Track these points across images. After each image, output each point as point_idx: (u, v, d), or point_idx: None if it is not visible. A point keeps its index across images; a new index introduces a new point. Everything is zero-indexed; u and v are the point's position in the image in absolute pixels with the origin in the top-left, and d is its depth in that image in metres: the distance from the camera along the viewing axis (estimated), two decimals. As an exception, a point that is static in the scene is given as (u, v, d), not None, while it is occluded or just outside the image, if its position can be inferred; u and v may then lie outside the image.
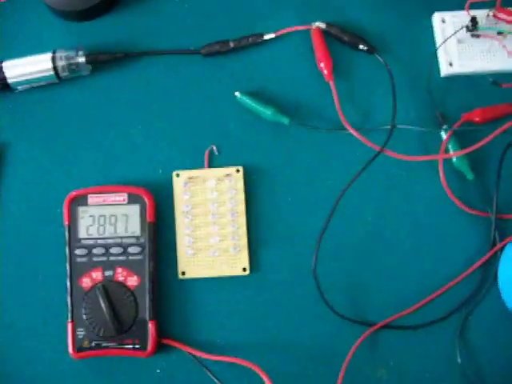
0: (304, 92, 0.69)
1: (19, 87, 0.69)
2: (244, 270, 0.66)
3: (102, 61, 0.69)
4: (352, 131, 0.66)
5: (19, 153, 0.69)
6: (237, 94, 0.68)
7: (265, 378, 0.62)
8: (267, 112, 0.67)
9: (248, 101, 0.68)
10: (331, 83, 0.68)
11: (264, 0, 0.71)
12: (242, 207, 0.67)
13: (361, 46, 0.69)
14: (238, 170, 0.67)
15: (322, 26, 0.69)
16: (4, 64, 0.68)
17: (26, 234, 0.68)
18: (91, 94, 0.70)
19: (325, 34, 0.69)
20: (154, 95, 0.70)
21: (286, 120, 0.67)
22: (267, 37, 0.69)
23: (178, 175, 0.68)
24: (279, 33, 0.69)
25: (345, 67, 0.69)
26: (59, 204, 0.66)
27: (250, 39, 0.69)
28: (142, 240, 0.65)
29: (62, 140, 0.69)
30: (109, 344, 0.64)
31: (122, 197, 0.66)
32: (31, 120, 0.70)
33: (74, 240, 0.65)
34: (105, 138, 0.69)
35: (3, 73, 0.68)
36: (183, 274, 0.66)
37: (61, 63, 0.68)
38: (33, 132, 0.69)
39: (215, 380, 0.64)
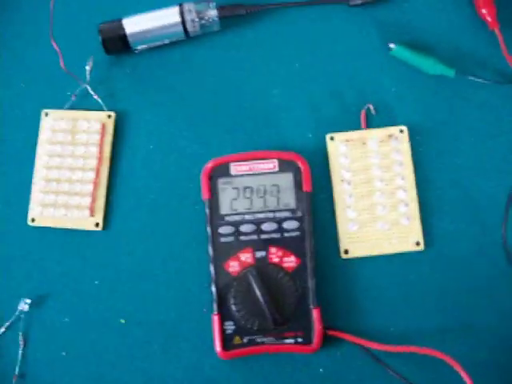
0: (465, 41, 0.60)
1: (139, 46, 0.60)
2: (417, 244, 0.56)
3: (236, 14, 0.60)
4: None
5: (142, 121, 0.60)
6: (391, 45, 0.59)
7: (459, 370, 0.52)
8: (429, 63, 0.58)
9: (405, 52, 0.59)
10: (496, 30, 0.59)
11: None
12: (410, 171, 0.57)
13: (523, -9, 0.61)
14: (401, 130, 0.58)
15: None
16: (124, 20, 0.59)
17: (154, 213, 0.58)
18: (223, 52, 0.61)
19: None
20: (294, 51, 0.61)
21: (451, 72, 0.58)
22: None
23: (332, 138, 0.58)
24: None
25: (508, 13, 0.61)
26: (194, 177, 0.57)
27: None
28: (298, 213, 0.55)
29: (192, 104, 0.60)
30: (265, 339, 0.54)
31: (272, 163, 0.56)
32: (154, 84, 0.61)
33: (216, 217, 0.55)
34: (242, 100, 0.60)
35: (123, 30, 0.59)
36: (346, 252, 0.56)
37: (190, 17, 0.59)
38: (156, 97, 0.60)
39: (396, 376, 0.53)
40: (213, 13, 0.59)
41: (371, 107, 0.58)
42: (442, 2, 0.61)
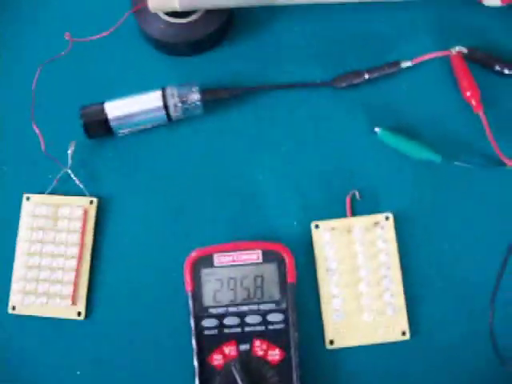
0: (450, 125, 0.59)
1: (122, 130, 0.59)
2: (403, 333, 0.55)
3: (218, 98, 0.60)
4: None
5: (125, 207, 0.59)
6: (377, 129, 0.58)
7: None
8: (415, 149, 0.58)
9: (391, 137, 0.58)
10: (481, 114, 0.59)
11: (393, 26, 0.62)
12: (395, 260, 0.56)
13: (507, 71, 0.61)
14: (387, 217, 0.57)
15: (464, 50, 0.60)
16: (106, 104, 0.59)
17: (137, 302, 0.57)
18: (207, 136, 0.60)
19: (466, 59, 0.61)
20: (280, 135, 0.60)
21: (437, 158, 0.58)
22: (404, 65, 0.60)
23: (317, 226, 0.58)
24: (417, 60, 0.60)
25: (491, 95, 0.60)
26: (178, 266, 0.56)
27: (387, 68, 0.60)
28: (283, 305, 0.54)
29: (175, 190, 0.59)
30: None
31: (256, 254, 0.55)
32: (137, 168, 0.60)
33: (199, 309, 0.54)
34: (227, 186, 0.59)
35: (105, 114, 0.58)
36: (331, 343, 0.55)
37: (172, 101, 0.58)
38: (139, 182, 0.60)
39: None
40: (196, 97, 0.59)
41: (357, 194, 0.58)
42: (427, 85, 0.61)
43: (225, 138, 0.60)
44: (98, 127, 0.59)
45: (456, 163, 0.58)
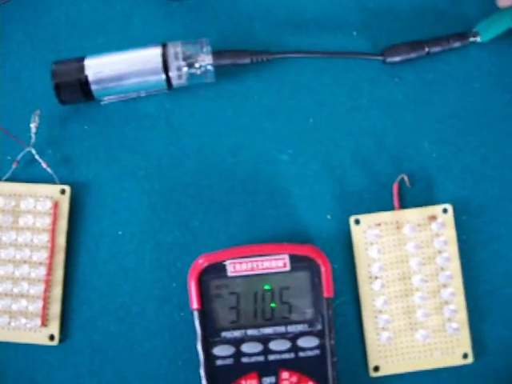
0: None
1: (106, 98, 0.46)
2: (465, 356, 0.44)
3: (236, 63, 0.46)
4: None
5: (107, 198, 0.46)
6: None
7: None
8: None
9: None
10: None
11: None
12: (456, 264, 0.45)
13: None
14: (445, 210, 0.45)
15: None
16: (87, 61, 0.45)
17: (124, 322, 0.45)
18: (216, 107, 0.47)
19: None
20: (308, 103, 0.47)
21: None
22: (474, 39, 0.47)
23: (357, 221, 0.45)
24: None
25: None
26: (177, 274, 0.45)
27: (452, 41, 0.47)
28: (317, 326, 0.43)
29: (173, 175, 0.46)
30: None
31: (282, 261, 0.43)
32: (123, 146, 0.47)
33: (210, 332, 0.42)
34: (241, 170, 0.46)
35: (85, 74, 0.44)
36: (376, 369, 0.44)
37: (176, 63, 0.45)
38: (126, 165, 0.47)
39: None
40: (207, 59, 0.45)
41: (406, 179, 0.46)
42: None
43: (239, 108, 0.47)
44: (75, 90, 0.45)
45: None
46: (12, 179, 0.46)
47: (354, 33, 0.48)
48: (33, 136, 0.46)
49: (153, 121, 0.47)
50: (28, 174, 0.46)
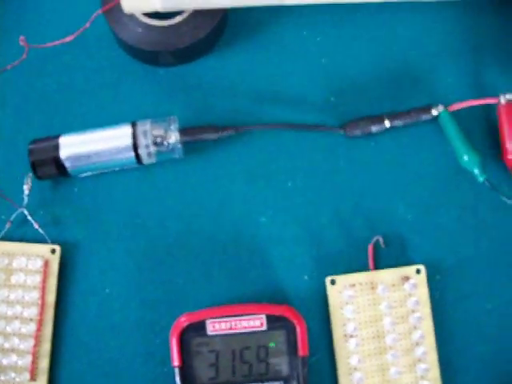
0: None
1: (81, 175, 0.48)
2: (438, 414, 0.46)
3: (203, 139, 0.48)
4: None
5: (95, 257, 0.48)
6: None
7: None
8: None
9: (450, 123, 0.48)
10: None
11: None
12: (429, 323, 0.46)
13: None
14: (418, 271, 0.47)
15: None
16: (61, 140, 0.47)
17: (111, 377, 0.46)
18: (196, 177, 0.49)
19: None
20: (287, 167, 0.49)
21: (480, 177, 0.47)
22: (436, 112, 0.49)
23: (333, 282, 0.47)
24: (453, 108, 0.49)
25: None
26: (161, 334, 0.46)
27: (413, 115, 0.49)
28: (293, 383, 0.45)
29: (156, 236, 0.48)
30: None
31: (259, 320, 0.45)
32: (108, 207, 0.49)
33: (189, 389, 0.45)
34: (221, 232, 0.48)
35: (58, 156, 0.47)
36: (351, 427, 0.46)
37: (144, 141, 0.47)
38: (111, 226, 0.48)
39: None
40: (174, 137, 0.47)
41: (381, 240, 0.48)
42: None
43: (219, 175, 0.49)
44: (50, 168, 0.47)
45: (503, 198, 0.48)
46: (5, 238, 0.48)
47: (323, 103, 0.50)
48: (25, 197, 0.48)
49: (131, 184, 0.49)
50: (21, 233, 0.48)
